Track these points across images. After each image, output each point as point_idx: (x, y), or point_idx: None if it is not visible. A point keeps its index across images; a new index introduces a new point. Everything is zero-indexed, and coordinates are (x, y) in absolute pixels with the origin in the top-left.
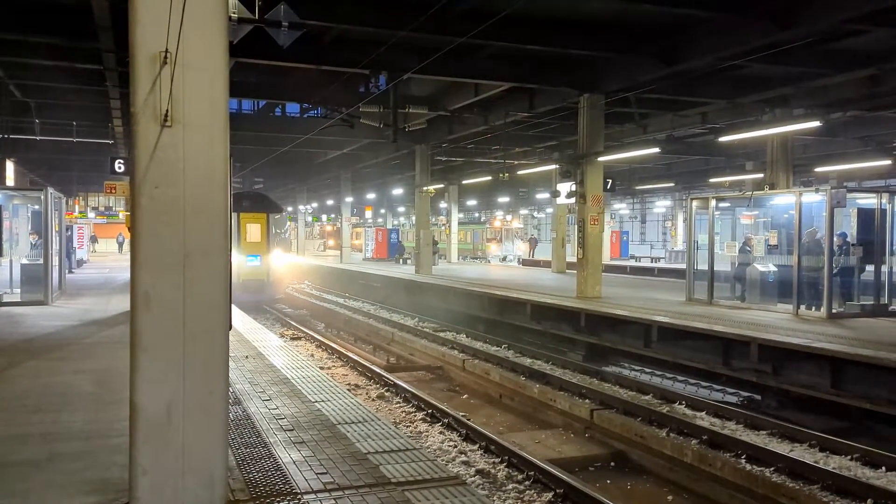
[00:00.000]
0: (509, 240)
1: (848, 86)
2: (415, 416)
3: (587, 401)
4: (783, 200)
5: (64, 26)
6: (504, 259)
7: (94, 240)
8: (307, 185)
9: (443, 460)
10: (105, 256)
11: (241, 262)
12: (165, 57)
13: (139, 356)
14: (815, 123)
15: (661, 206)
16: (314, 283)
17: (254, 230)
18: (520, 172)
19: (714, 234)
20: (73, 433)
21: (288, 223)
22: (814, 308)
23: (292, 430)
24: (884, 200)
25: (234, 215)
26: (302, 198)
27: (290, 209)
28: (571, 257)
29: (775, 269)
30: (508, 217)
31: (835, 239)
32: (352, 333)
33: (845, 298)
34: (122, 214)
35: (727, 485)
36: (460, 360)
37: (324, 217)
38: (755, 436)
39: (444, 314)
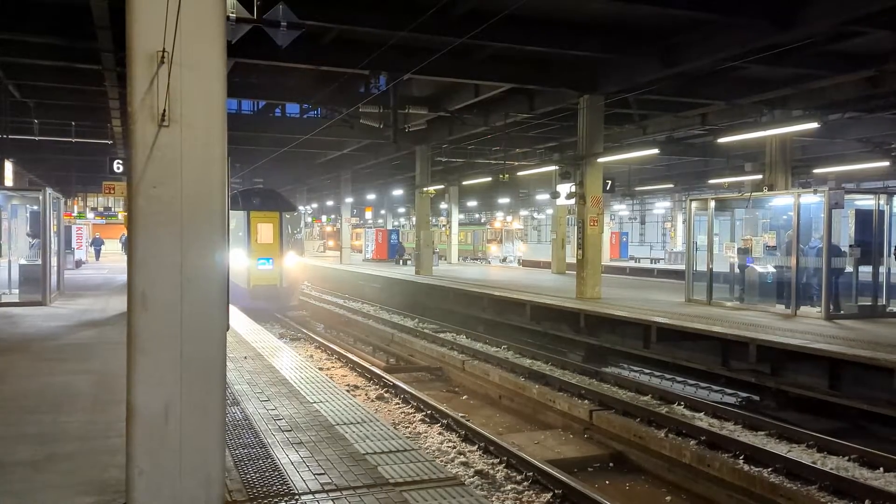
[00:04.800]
0: (509, 241)
1: (846, 87)
2: (414, 416)
3: (586, 401)
4: (782, 201)
5: (63, 26)
6: (504, 260)
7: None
8: (307, 186)
9: (441, 461)
10: (105, 256)
11: (251, 265)
12: (163, 56)
13: (136, 356)
14: (814, 125)
15: (660, 207)
16: (314, 284)
17: (265, 230)
18: (520, 173)
19: (713, 234)
20: (70, 434)
21: (305, 222)
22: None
23: (290, 430)
24: (882, 202)
25: (244, 214)
26: (302, 198)
27: None
28: (571, 258)
29: (773, 269)
30: (509, 218)
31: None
32: (351, 334)
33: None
34: (122, 215)
35: (725, 485)
36: (460, 360)
37: (324, 218)
38: (753, 436)
39: (443, 315)
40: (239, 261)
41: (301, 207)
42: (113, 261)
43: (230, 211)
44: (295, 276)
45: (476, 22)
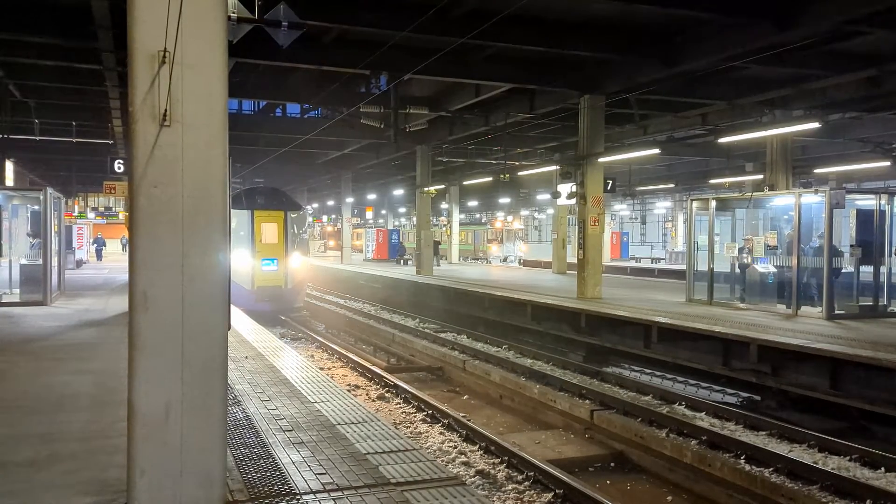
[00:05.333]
0: (510, 241)
1: (847, 87)
2: (415, 416)
3: (587, 401)
4: (783, 201)
5: (64, 26)
6: (505, 260)
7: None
8: (308, 186)
9: (442, 461)
10: (106, 256)
11: (255, 266)
12: (164, 56)
13: (137, 356)
14: (815, 125)
15: (661, 207)
16: (315, 284)
17: (270, 230)
18: (520, 173)
19: (714, 234)
20: (71, 434)
21: (308, 222)
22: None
23: (292, 430)
24: (883, 202)
25: (247, 213)
26: (302, 198)
27: None
28: (572, 258)
29: (775, 269)
30: (509, 218)
31: (817, 239)
32: (352, 334)
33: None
34: (122, 215)
35: (726, 485)
36: (461, 360)
37: (324, 218)
38: (754, 436)
39: (444, 315)
40: (242, 261)
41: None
42: (114, 261)
43: (233, 210)
44: (300, 277)
45: (476, 22)
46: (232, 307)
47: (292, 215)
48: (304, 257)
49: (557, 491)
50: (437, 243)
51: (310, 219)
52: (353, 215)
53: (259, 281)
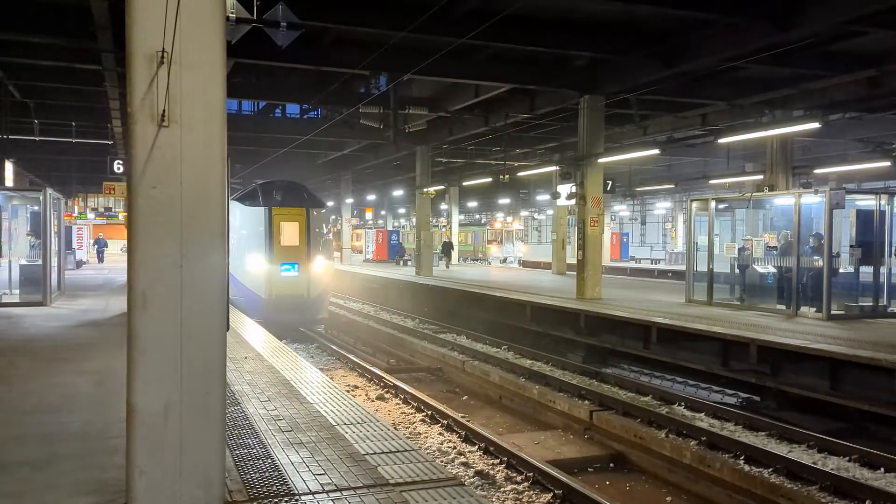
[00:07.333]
0: (510, 241)
1: (847, 87)
2: (414, 417)
3: (587, 402)
4: (783, 202)
5: (63, 26)
6: (504, 261)
7: None
8: (307, 186)
9: (441, 461)
10: (107, 258)
11: (271, 271)
12: (163, 57)
13: (136, 357)
14: (815, 125)
15: (661, 207)
16: None
17: (290, 230)
18: (520, 174)
19: (714, 235)
20: (71, 434)
21: (331, 221)
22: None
23: (291, 430)
24: (883, 202)
25: (264, 211)
26: None
27: None
28: (572, 259)
29: (774, 270)
30: (509, 219)
31: (811, 239)
32: (351, 335)
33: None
34: (122, 215)
35: (726, 486)
36: (460, 361)
37: None
38: (754, 437)
39: (444, 316)
40: (257, 266)
41: None
42: (115, 261)
43: (248, 207)
44: (325, 284)
45: (476, 22)
46: (245, 317)
47: (317, 212)
48: (327, 261)
49: (556, 491)
50: (448, 244)
51: None
52: (353, 216)
53: (277, 289)
